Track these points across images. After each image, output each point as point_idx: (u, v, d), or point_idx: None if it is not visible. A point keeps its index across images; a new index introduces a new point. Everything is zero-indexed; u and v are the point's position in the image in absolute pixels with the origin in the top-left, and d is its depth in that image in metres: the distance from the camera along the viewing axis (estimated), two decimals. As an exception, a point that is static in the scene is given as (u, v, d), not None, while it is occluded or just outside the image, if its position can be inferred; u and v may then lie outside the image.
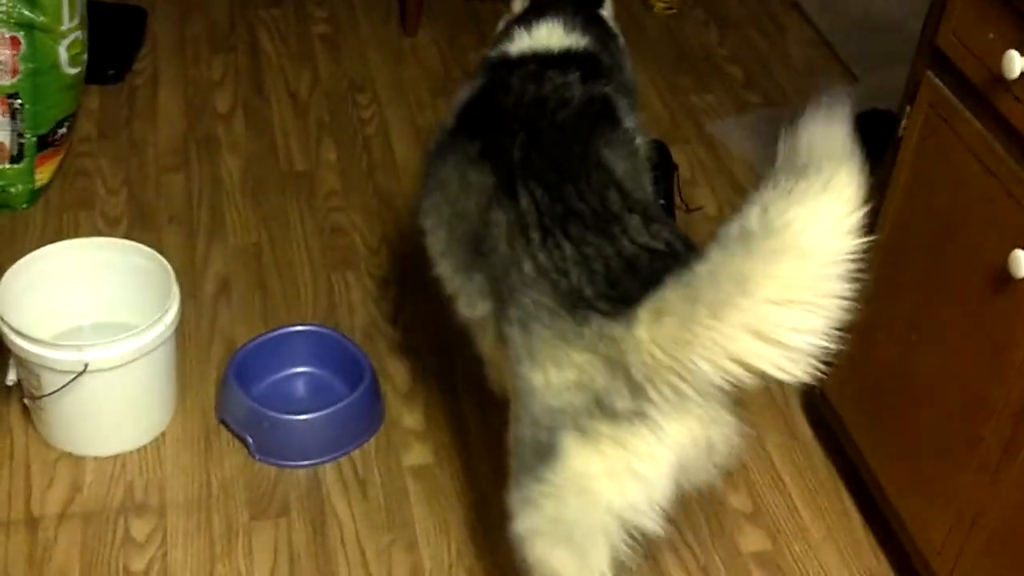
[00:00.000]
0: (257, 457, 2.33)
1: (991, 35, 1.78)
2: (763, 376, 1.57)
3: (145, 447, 2.34)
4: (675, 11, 3.79)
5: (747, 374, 1.57)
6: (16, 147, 2.77)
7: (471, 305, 2.00)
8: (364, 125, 3.23)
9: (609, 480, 1.72)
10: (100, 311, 2.42)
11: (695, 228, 2.97)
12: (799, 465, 2.44)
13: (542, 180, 1.82)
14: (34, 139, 2.79)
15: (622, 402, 1.67)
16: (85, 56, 2.85)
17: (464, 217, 1.96)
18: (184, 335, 2.50)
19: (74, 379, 2.16)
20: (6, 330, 2.17)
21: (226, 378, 2.37)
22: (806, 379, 1.59)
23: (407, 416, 2.46)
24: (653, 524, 1.76)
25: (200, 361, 2.52)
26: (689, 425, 1.70)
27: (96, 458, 2.31)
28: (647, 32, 3.71)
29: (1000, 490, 1.87)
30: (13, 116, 2.73)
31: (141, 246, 2.38)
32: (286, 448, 2.33)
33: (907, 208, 2.05)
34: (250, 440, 2.32)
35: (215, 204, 2.92)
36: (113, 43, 3.30)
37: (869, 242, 1.49)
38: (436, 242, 2.07)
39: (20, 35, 2.65)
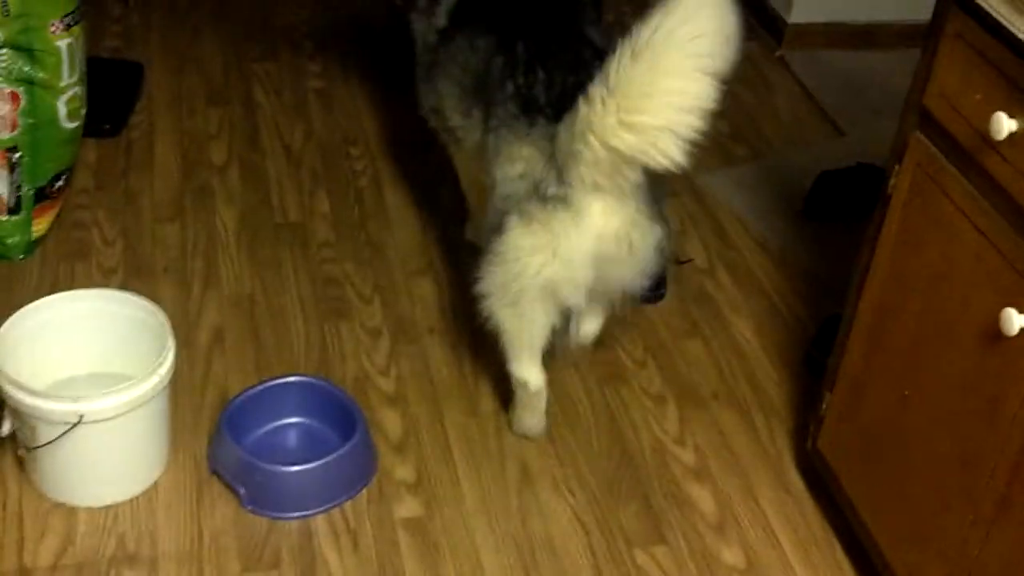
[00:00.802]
0: (249, 508, 2.32)
1: (978, 96, 1.80)
2: (649, 157, 2.11)
3: (137, 498, 2.34)
4: (664, 65, 3.82)
5: (639, 153, 2.10)
6: (14, 199, 2.80)
7: (471, 137, 2.54)
8: (357, 177, 3.25)
9: (535, 254, 2.25)
10: (96, 362, 2.43)
11: (686, 280, 3.00)
12: (792, 519, 2.44)
13: (535, 38, 2.38)
14: (32, 191, 2.81)
15: (551, 188, 2.20)
16: (84, 111, 2.87)
17: (472, 71, 2.50)
18: (178, 385, 2.50)
19: (69, 430, 2.16)
20: (1, 381, 2.17)
21: (219, 429, 2.38)
22: (682, 162, 2.13)
23: (399, 467, 2.46)
24: (577, 300, 2.33)
25: (193, 411, 2.52)
26: (606, 217, 2.22)
27: (89, 509, 2.30)
28: (637, 85, 3.74)
29: (995, 543, 1.87)
30: (12, 169, 2.75)
31: (137, 297, 2.39)
32: (278, 499, 2.33)
33: (897, 264, 2.07)
34: (242, 491, 2.32)
35: (209, 254, 2.94)
36: (110, 97, 3.33)
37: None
38: (449, 101, 2.62)
39: (20, 90, 2.68)
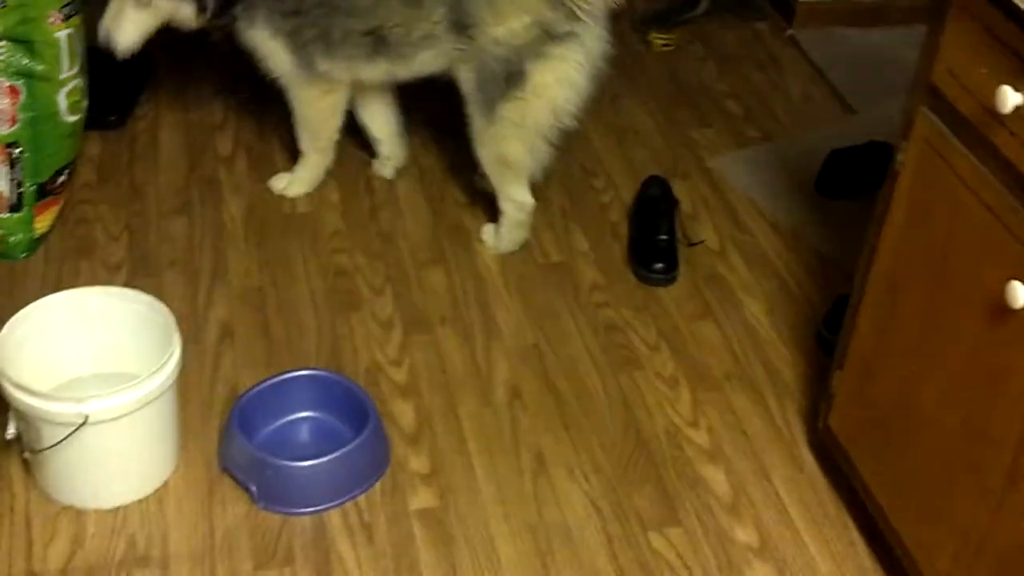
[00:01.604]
0: (261, 505, 2.32)
1: (984, 70, 1.79)
2: None
3: (147, 498, 2.33)
4: (673, 48, 3.81)
5: None
6: (15, 196, 2.78)
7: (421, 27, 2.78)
8: (367, 166, 3.24)
9: (558, 86, 2.72)
10: (101, 361, 2.42)
11: (698, 262, 2.98)
12: (805, 498, 2.43)
13: None
14: (33, 188, 2.80)
15: (563, 27, 2.65)
16: (85, 103, 2.86)
17: None
18: (186, 382, 2.50)
19: (74, 432, 2.15)
20: (5, 383, 2.16)
21: (229, 425, 2.37)
22: None
23: (413, 459, 2.45)
24: (572, 120, 2.82)
25: (203, 408, 2.52)
26: (598, 42, 2.72)
27: (97, 511, 2.29)
28: (647, 69, 3.73)
29: (1004, 517, 1.87)
30: (12, 165, 2.74)
31: (141, 294, 2.38)
32: (290, 495, 2.32)
33: (905, 240, 2.06)
34: (253, 488, 2.32)
35: (217, 248, 2.94)
36: (115, 88, 3.31)
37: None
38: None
39: (19, 84, 2.66)
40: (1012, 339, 1.79)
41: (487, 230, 3.01)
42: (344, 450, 2.32)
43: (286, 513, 2.32)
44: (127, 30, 2.79)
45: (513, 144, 2.81)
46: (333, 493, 2.34)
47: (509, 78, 2.70)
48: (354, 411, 2.43)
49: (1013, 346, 1.79)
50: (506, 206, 2.94)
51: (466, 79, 2.78)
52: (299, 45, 2.80)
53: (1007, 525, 1.86)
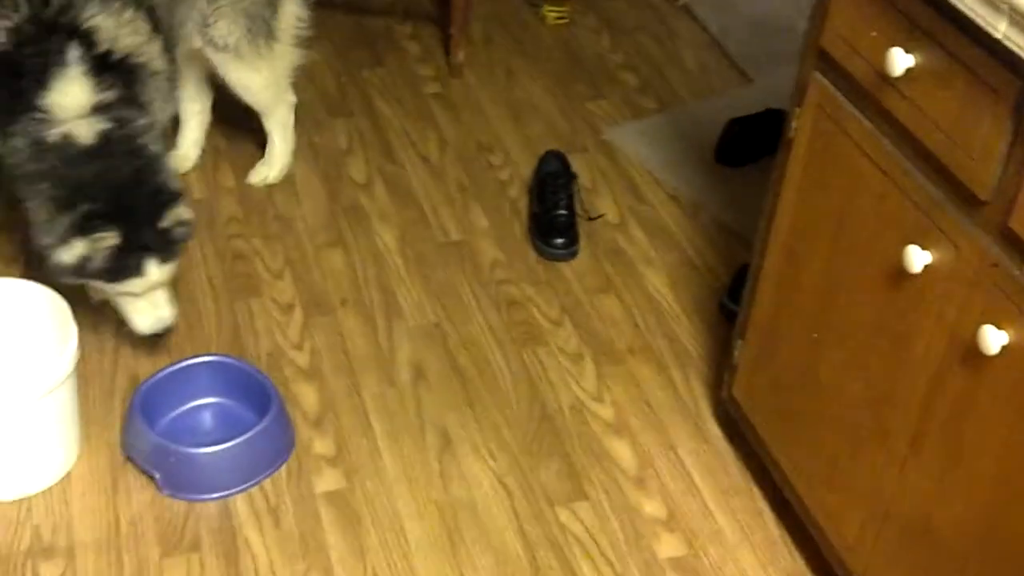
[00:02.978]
0: (166, 493, 2.28)
1: (874, 33, 1.80)
2: None
3: (51, 488, 2.29)
4: (567, 20, 3.80)
5: None
6: None
7: None
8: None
9: None
10: (-3, 352, 2.36)
11: (598, 236, 2.98)
12: (712, 469, 2.45)
13: None
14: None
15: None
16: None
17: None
18: (86, 371, 2.45)
19: (-30, 424, 2.10)
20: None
21: (130, 414, 2.33)
22: None
23: (317, 442, 2.43)
24: None
25: (104, 397, 2.47)
26: None
27: (0, 502, 2.25)
28: (541, 41, 3.71)
29: (909, 483, 1.89)
30: None
31: (35, 284, 2.33)
32: (195, 482, 2.29)
33: (801, 208, 2.07)
34: (157, 476, 2.28)
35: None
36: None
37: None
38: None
39: None
40: (911, 304, 1.81)
41: (256, 171, 3.08)
42: (247, 435, 2.29)
43: (192, 500, 2.28)
44: None
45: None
46: (238, 478, 2.31)
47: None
48: (256, 396, 2.39)
49: (913, 311, 1.81)
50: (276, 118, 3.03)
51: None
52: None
53: (912, 491, 1.88)
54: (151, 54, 2.38)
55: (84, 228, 2.24)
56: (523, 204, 3.07)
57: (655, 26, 3.82)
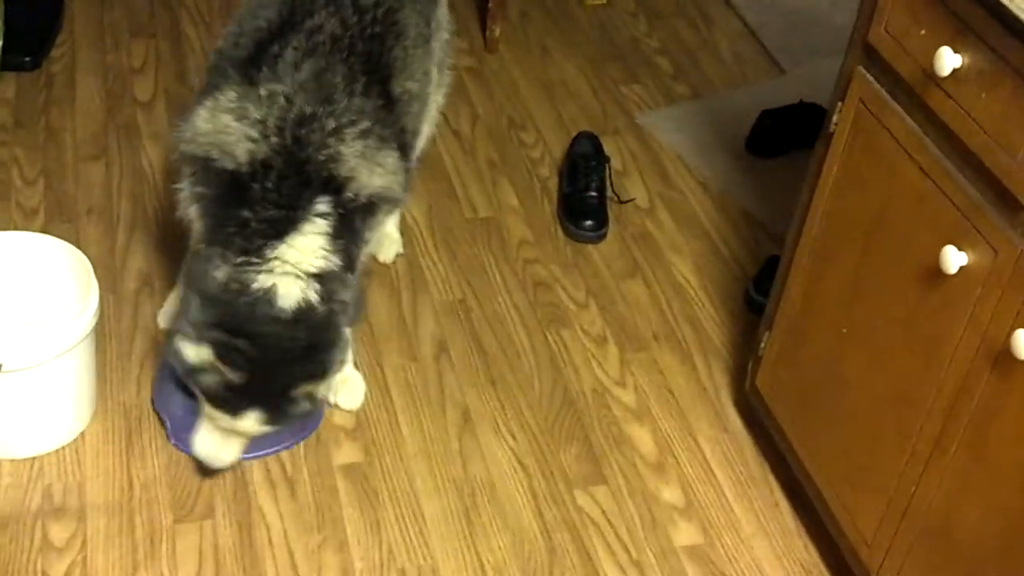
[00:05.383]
0: (172, 442, 2.27)
1: (923, 32, 1.77)
2: None
3: (64, 448, 2.28)
4: (605, 2, 3.77)
5: None
6: None
7: None
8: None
9: None
10: (16, 308, 2.34)
11: (626, 219, 2.96)
12: (730, 458, 2.43)
13: None
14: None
15: None
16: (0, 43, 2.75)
17: None
18: (105, 332, 2.44)
19: (-11, 379, 2.09)
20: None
21: (164, 364, 2.29)
22: None
23: (337, 413, 2.42)
24: None
25: (121, 358, 2.46)
26: None
27: (12, 460, 2.24)
28: (578, 22, 3.68)
29: (931, 483, 1.87)
30: None
31: (58, 240, 2.31)
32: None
33: (838, 203, 2.05)
34: (168, 424, 2.25)
35: (136, 195, 2.85)
36: (30, 29, 3.20)
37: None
38: None
39: None
40: (944, 306, 1.79)
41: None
42: None
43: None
44: None
45: None
46: (258, 443, 2.27)
47: None
48: None
49: (945, 313, 1.79)
50: None
51: None
52: None
53: (934, 492, 1.87)
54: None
55: (221, 352, 2.02)
56: (553, 184, 3.05)
57: (692, 13, 3.79)
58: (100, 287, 2.23)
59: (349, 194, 2.05)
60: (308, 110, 2.03)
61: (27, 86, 3.14)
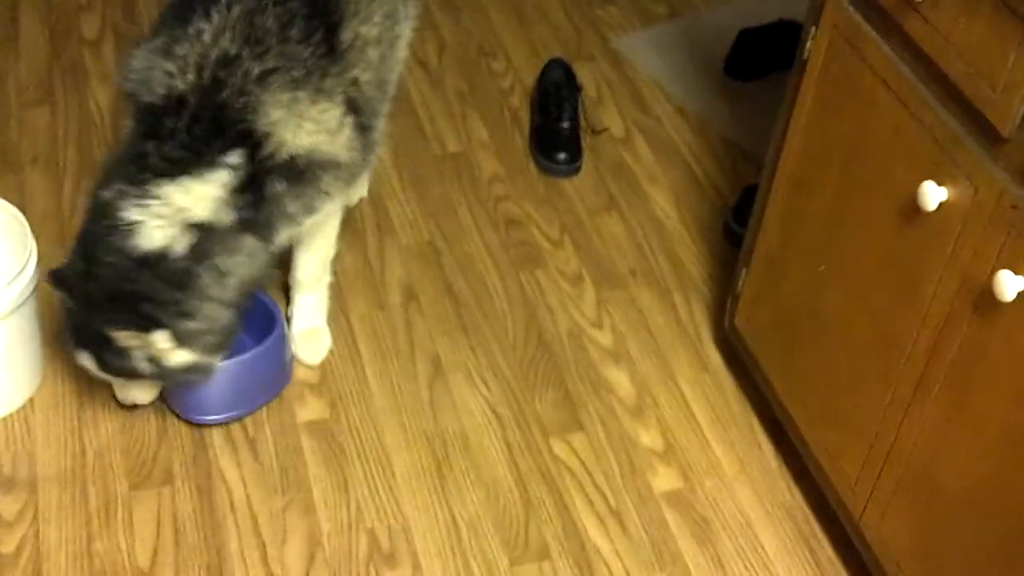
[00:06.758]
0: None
1: (896, -49, 1.66)
2: None
3: (11, 416, 2.20)
4: (577, -81, 3.62)
5: None
6: None
7: None
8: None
9: None
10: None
11: (601, 150, 2.86)
12: (711, 399, 2.36)
13: None
14: None
15: None
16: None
17: None
18: (48, 292, 2.35)
19: (-76, 347, 2.00)
20: None
21: None
22: None
23: (300, 368, 2.33)
24: None
25: (72, 318, 2.37)
26: None
27: (-41, 431, 2.17)
28: (548, -59, 3.54)
29: (912, 428, 1.81)
30: None
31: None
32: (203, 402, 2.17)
33: (813, 134, 1.95)
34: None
35: (84, 141, 2.74)
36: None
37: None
38: None
39: None
40: (923, 243, 1.71)
41: None
42: (248, 355, 2.15)
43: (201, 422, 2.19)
44: None
45: None
46: (238, 402, 2.20)
47: None
48: (259, 319, 2.24)
49: (925, 250, 1.71)
50: None
51: None
52: None
53: (916, 436, 1.81)
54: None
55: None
56: (525, 115, 2.94)
57: (667, -73, 3.64)
58: (47, 240, 2.15)
59: (266, 151, 1.93)
60: (233, 51, 1.92)
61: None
